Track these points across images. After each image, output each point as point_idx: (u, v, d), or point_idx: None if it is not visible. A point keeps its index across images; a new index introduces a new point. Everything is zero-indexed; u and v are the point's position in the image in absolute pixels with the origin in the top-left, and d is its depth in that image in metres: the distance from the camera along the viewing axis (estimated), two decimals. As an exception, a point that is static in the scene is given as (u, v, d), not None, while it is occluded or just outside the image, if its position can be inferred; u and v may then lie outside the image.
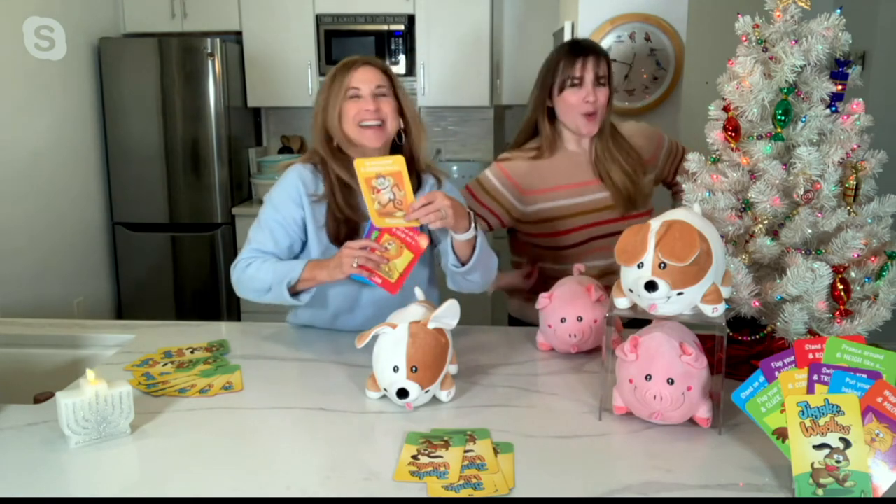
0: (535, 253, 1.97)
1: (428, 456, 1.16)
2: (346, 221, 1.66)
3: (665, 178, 2.06)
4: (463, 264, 1.61)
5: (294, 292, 1.61)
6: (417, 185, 1.70)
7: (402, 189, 1.45)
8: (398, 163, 1.42)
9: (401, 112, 1.68)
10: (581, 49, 1.83)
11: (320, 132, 1.69)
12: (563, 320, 1.57)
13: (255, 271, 1.63)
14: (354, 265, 1.50)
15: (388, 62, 4.06)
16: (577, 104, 1.82)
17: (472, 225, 1.56)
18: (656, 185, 2.03)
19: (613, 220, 1.89)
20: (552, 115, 1.89)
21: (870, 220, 1.40)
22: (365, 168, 1.46)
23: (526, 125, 1.95)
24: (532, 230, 1.94)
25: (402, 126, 1.69)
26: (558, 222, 1.89)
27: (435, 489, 1.07)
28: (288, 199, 1.68)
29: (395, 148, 1.70)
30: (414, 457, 1.16)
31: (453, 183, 1.80)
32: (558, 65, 1.83)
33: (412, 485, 1.09)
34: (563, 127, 1.90)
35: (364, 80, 1.64)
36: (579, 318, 1.56)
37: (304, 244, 1.71)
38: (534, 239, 1.95)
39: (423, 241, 1.57)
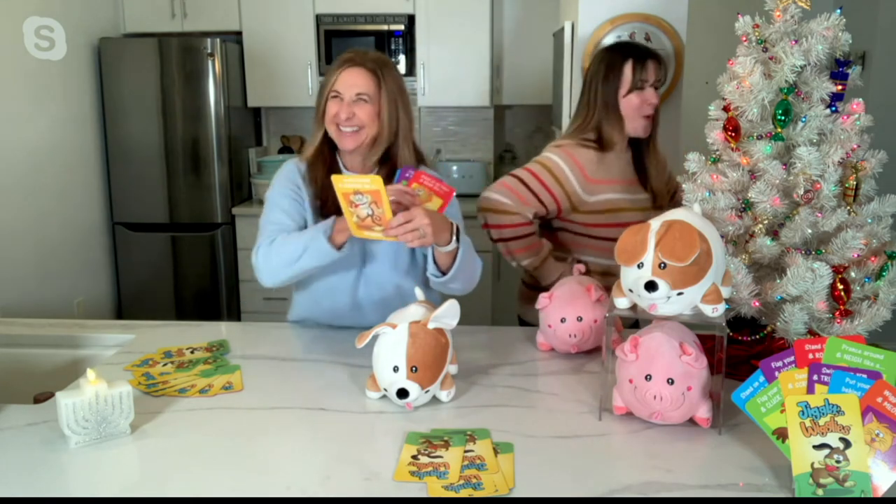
0: (584, 244, 1.96)
1: (428, 456, 1.16)
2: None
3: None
4: (443, 273, 1.61)
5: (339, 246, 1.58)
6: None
7: (380, 206, 1.44)
8: (376, 182, 1.40)
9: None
10: (647, 52, 1.89)
11: (318, 121, 1.71)
12: (563, 320, 1.57)
13: (283, 240, 1.62)
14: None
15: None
16: (640, 106, 1.87)
17: (454, 238, 1.55)
18: None
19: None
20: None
21: (870, 220, 1.40)
22: (342, 184, 1.44)
23: (593, 123, 1.92)
24: (590, 220, 1.93)
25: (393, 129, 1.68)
26: (619, 214, 1.90)
27: (435, 489, 1.07)
28: (288, 182, 1.72)
29: (385, 152, 1.70)
30: (414, 457, 1.16)
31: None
32: (623, 67, 1.86)
33: (412, 485, 1.09)
34: None
35: (347, 84, 1.64)
36: (579, 318, 1.56)
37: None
38: (589, 229, 1.94)
39: (451, 189, 1.58)
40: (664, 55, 2.66)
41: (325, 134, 1.71)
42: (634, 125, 1.89)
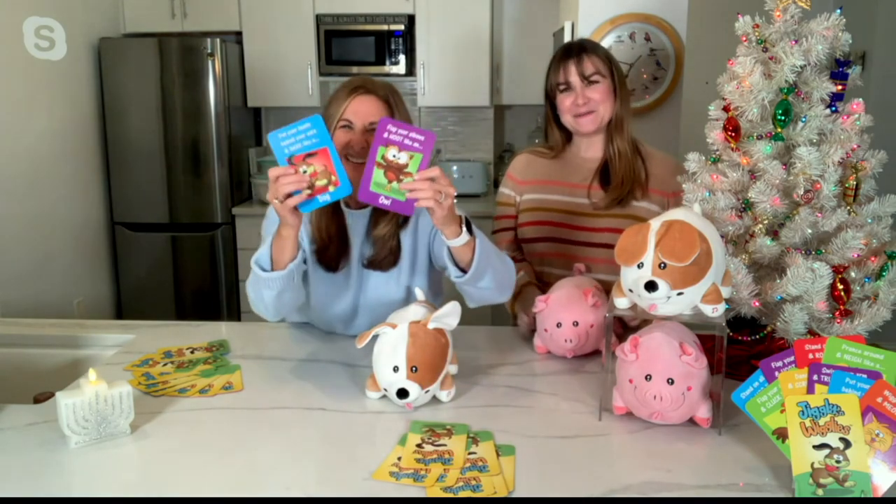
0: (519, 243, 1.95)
1: (432, 444, 1.19)
2: (333, 243, 1.62)
3: None
4: (464, 271, 1.47)
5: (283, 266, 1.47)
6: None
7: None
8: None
9: None
10: (566, 52, 1.81)
11: None
12: (558, 325, 1.56)
13: (249, 287, 1.56)
14: (279, 201, 1.35)
15: (388, 62, 4.06)
16: (569, 108, 1.80)
17: (465, 229, 1.43)
18: None
19: (579, 228, 1.82)
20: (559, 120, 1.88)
21: (870, 220, 1.40)
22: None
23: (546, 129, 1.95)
24: (520, 219, 1.92)
25: None
26: (541, 213, 1.87)
27: (434, 490, 1.07)
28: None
29: None
30: (419, 445, 1.19)
31: None
32: (549, 72, 1.84)
33: (412, 486, 1.09)
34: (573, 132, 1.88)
35: (359, 112, 1.54)
36: (575, 323, 1.54)
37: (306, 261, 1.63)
38: (520, 230, 1.92)
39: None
40: (664, 55, 2.67)
41: None
42: (572, 125, 1.82)
